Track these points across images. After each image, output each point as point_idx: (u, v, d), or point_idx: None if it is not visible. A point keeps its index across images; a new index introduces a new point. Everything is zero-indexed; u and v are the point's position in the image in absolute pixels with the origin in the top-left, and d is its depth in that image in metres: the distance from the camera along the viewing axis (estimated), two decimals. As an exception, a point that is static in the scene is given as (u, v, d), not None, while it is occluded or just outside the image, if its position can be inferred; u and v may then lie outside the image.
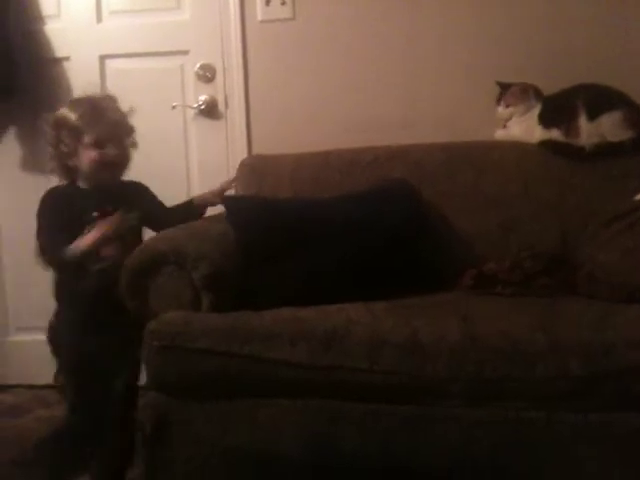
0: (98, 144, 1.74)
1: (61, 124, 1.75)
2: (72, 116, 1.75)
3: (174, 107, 2.51)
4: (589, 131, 2.06)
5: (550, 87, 2.17)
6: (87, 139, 1.73)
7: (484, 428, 1.45)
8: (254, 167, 2.33)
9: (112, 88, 2.50)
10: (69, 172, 1.80)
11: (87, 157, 1.74)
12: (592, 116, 2.06)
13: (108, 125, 1.75)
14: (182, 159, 2.57)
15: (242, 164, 2.36)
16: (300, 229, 1.89)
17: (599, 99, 2.07)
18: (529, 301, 1.74)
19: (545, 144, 2.12)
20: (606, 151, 2.06)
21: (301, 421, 1.51)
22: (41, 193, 1.81)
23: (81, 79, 2.41)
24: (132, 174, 1.87)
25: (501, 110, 2.21)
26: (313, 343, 1.50)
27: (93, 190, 1.79)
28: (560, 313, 1.61)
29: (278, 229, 1.88)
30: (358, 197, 2.04)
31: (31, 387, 2.61)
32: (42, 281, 1.82)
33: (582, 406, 1.42)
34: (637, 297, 1.63)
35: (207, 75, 2.53)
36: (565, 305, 1.68)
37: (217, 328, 1.56)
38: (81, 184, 1.81)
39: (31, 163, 2.61)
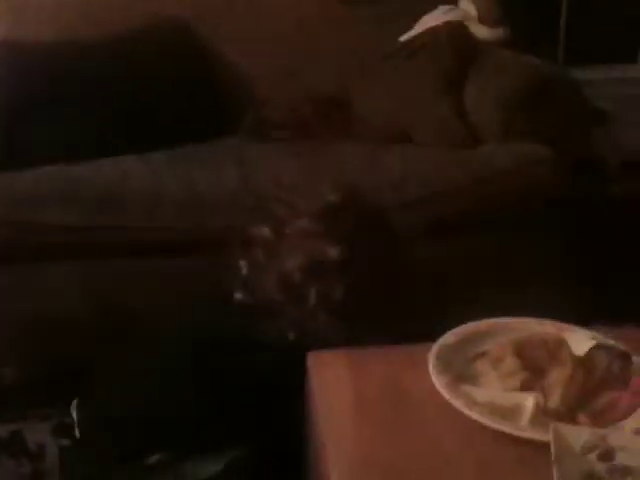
0: None
1: None
2: None
3: None
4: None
5: None
6: None
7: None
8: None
9: None
10: None
11: None
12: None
13: None
14: None
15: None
16: (68, 76, 1.77)
17: None
18: (303, 145, 1.78)
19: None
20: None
21: (85, 282, 1.50)
22: None
23: None
24: None
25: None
26: (86, 204, 1.47)
27: None
28: (331, 157, 1.69)
29: (43, 77, 1.74)
30: (132, 39, 1.91)
31: None
32: None
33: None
34: (397, 138, 1.75)
35: None
36: (337, 149, 1.76)
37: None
38: None
39: None
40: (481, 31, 1.93)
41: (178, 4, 2.02)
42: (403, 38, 1.97)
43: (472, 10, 1.97)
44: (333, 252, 1.08)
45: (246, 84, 2.04)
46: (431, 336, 1.00)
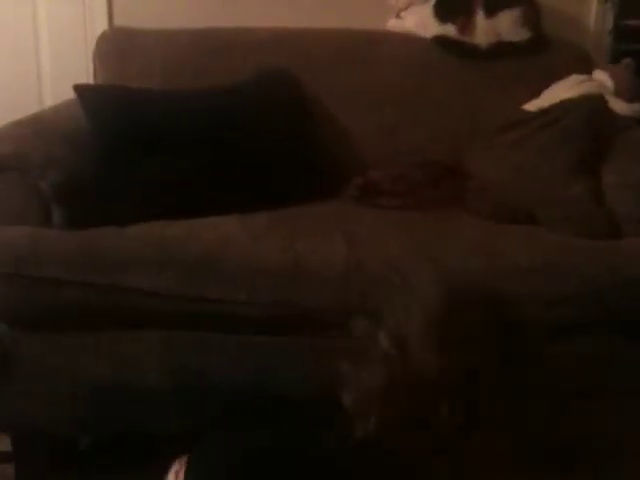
0: None
1: None
2: None
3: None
4: (485, 28, 1.93)
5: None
6: None
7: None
8: (116, 43, 2.02)
9: None
10: None
11: None
12: (490, 13, 1.92)
13: None
14: (29, 33, 2.18)
15: (101, 39, 2.03)
16: (169, 127, 1.67)
17: (498, -5, 1.93)
18: (413, 217, 1.64)
19: (439, 40, 1.96)
20: (501, 51, 1.94)
21: (167, 353, 1.38)
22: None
23: None
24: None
25: (397, -2, 2.01)
26: (181, 271, 1.34)
27: None
28: (445, 235, 1.53)
29: (143, 127, 1.65)
30: (235, 90, 1.82)
31: None
32: None
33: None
34: (519, 219, 1.58)
35: None
36: (450, 224, 1.60)
37: (70, 253, 1.36)
38: None
39: None
40: (618, 105, 1.75)
41: (290, 57, 1.93)
42: (528, 106, 1.81)
43: (608, 82, 1.79)
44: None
45: (353, 144, 1.92)
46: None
